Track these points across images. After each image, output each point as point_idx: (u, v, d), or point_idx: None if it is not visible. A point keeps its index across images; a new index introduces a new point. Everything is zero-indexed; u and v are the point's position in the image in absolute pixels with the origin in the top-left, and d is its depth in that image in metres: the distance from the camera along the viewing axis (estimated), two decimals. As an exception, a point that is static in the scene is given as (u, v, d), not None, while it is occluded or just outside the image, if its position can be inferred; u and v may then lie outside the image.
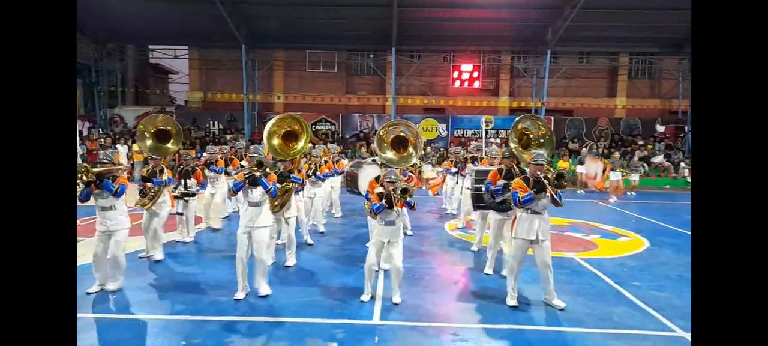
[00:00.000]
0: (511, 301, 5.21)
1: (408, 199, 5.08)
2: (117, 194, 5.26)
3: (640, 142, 20.53)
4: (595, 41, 20.35)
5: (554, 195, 4.92)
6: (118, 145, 16.98)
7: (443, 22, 18.96)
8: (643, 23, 18.36)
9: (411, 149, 6.56)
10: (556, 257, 7.23)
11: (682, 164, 18.71)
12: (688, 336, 4.54)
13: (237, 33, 18.77)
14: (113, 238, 5.32)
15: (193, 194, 7.66)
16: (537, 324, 4.81)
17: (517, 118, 6.56)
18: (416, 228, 9.05)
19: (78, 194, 5.09)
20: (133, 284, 5.65)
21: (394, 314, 4.95)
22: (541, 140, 6.31)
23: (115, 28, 20.12)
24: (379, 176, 6.18)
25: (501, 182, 5.98)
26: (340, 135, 21.83)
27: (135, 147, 16.93)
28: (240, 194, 5.26)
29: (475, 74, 21.80)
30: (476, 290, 5.84)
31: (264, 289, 5.32)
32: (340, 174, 9.93)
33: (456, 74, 21.96)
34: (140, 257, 6.79)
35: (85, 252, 6.04)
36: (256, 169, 5.17)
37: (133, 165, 16.74)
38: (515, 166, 6.12)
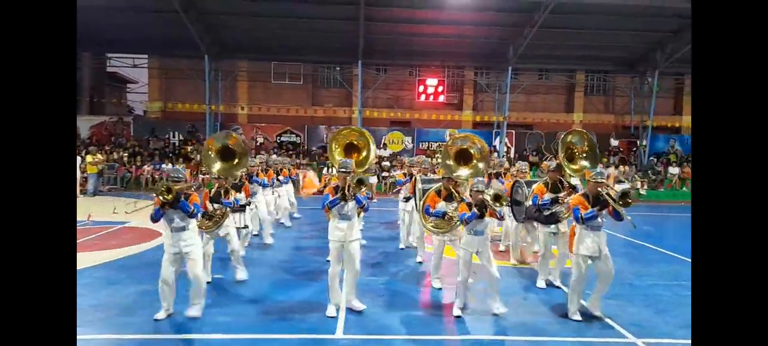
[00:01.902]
0: (575, 316, 5.26)
1: (502, 206, 5.03)
2: (193, 215, 4.98)
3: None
4: (553, 59, 21.20)
5: (619, 211, 4.96)
6: (70, 157, 16.20)
7: (409, 37, 19.29)
8: (598, 43, 19.31)
9: (474, 162, 6.33)
10: (517, 267, 7.45)
11: (634, 177, 19.64)
12: (640, 342, 4.77)
13: (200, 43, 18.41)
14: (189, 258, 5.01)
15: (244, 207, 7.24)
16: (492, 334, 4.91)
17: (566, 133, 6.54)
18: (373, 239, 9.12)
19: (151, 213, 4.86)
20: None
21: (357, 328, 4.94)
22: (584, 154, 6.45)
23: (70, 35, 19.32)
24: (440, 190, 6.05)
25: (548, 196, 6.03)
26: (306, 147, 21.69)
27: (89, 158, 16.23)
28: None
29: (440, 89, 22.23)
30: (439, 303, 5.91)
31: (357, 304, 5.34)
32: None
33: (421, 88, 22.32)
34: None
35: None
36: (356, 186, 5.04)
37: (86, 178, 16.00)
38: (561, 179, 6.19)
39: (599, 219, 5.11)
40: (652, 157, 21.94)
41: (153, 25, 18.11)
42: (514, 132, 22.20)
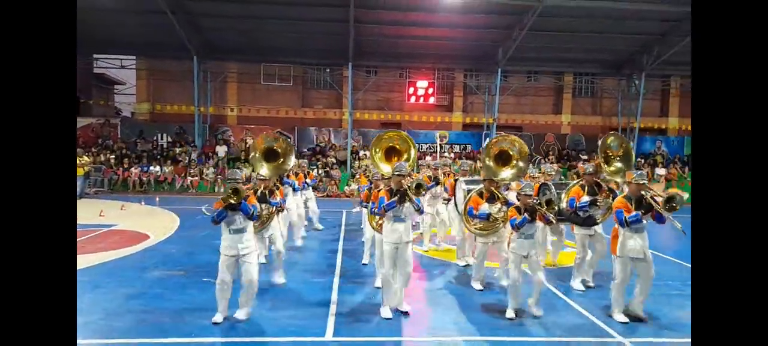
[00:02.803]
0: (620, 317, 5.24)
1: (551, 211, 5.04)
2: (252, 217, 5.01)
3: (584, 157, 21.66)
4: (542, 61, 21.39)
5: (663, 214, 4.91)
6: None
7: (399, 39, 19.33)
8: (585, 46, 19.53)
9: (514, 162, 6.37)
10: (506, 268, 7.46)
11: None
12: (627, 342, 4.81)
13: (188, 44, 18.26)
14: (245, 261, 4.97)
15: (281, 210, 7.18)
16: (487, 335, 4.93)
17: (606, 136, 6.67)
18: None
19: (214, 215, 4.83)
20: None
21: (349, 330, 4.92)
22: (618, 158, 6.56)
23: (55, 35, 19.03)
24: (482, 192, 6.08)
25: (585, 198, 6.14)
26: (296, 149, 21.60)
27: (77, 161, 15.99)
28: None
29: (430, 90, 22.29)
30: (435, 304, 5.91)
31: (405, 306, 5.38)
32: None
33: (412, 90, 22.35)
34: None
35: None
36: (415, 191, 5.07)
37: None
38: (598, 182, 6.29)
39: (644, 222, 5.10)
40: (638, 159, 22.21)
41: (141, 26, 17.93)
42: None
